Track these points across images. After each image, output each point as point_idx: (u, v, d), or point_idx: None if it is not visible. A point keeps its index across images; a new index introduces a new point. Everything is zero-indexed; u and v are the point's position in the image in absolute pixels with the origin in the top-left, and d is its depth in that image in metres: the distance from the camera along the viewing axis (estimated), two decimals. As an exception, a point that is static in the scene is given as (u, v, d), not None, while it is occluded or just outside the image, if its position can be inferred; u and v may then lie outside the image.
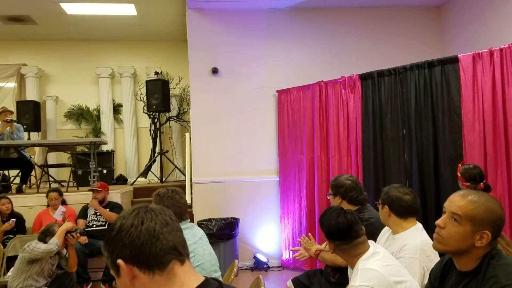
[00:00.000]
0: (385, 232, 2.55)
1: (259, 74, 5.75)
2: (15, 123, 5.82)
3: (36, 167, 6.41)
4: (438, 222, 1.61)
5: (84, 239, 3.68)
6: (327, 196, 2.92)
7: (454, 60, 3.87)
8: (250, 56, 5.76)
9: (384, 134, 4.41)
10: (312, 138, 5.10)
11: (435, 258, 2.17)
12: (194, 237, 2.33)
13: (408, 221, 2.35)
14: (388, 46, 5.86)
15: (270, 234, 5.63)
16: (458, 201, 1.57)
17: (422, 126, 4.11)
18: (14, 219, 4.54)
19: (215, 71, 5.69)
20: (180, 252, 1.00)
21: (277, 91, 5.64)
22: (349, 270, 2.18)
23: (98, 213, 4.91)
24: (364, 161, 4.55)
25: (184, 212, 2.36)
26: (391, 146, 4.34)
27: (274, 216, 5.61)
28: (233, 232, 5.09)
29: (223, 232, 4.97)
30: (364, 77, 4.59)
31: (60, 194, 4.97)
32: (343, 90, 4.77)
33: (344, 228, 1.99)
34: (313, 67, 5.73)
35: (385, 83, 4.41)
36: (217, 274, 2.39)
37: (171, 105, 7.63)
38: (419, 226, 2.36)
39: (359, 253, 1.98)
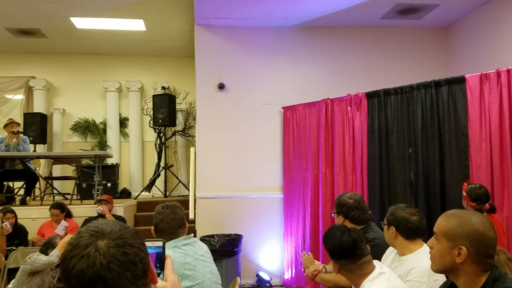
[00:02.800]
0: (390, 252, 2.50)
1: (266, 90, 5.78)
2: (22, 135, 5.85)
3: (40, 179, 6.42)
4: (427, 243, 1.67)
5: None
6: (332, 214, 2.88)
7: (461, 80, 3.86)
8: (256, 72, 5.79)
9: (390, 153, 4.38)
10: (317, 155, 5.08)
11: (442, 281, 2.14)
12: (195, 253, 2.28)
13: (415, 242, 2.31)
14: (395, 65, 5.88)
15: (273, 252, 5.57)
16: (438, 220, 1.62)
17: (428, 145, 4.08)
18: (7, 223, 4.48)
19: (221, 86, 5.72)
20: None
21: (283, 107, 5.65)
22: None
23: None
24: (370, 180, 4.52)
25: (174, 227, 2.28)
26: (397, 165, 4.31)
27: (278, 233, 5.56)
28: (235, 249, 5.04)
29: (225, 249, 4.92)
30: (370, 95, 4.59)
31: (62, 210, 4.91)
32: (349, 108, 4.77)
33: (349, 247, 1.96)
34: (319, 85, 5.75)
35: (392, 102, 4.41)
36: None
37: (177, 119, 7.66)
38: (426, 248, 2.31)
39: (365, 273, 1.95)
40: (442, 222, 1.58)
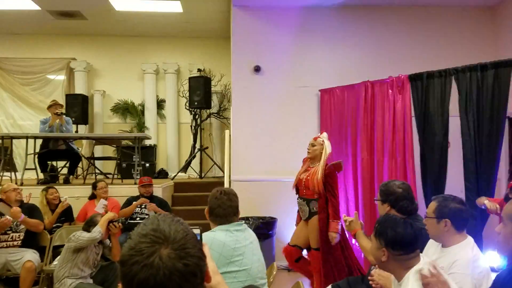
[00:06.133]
0: (432, 244, 2.45)
1: (302, 72, 5.69)
2: (64, 116, 6.04)
3: (83, 159, 6.63)
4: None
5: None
6: (375, 201, 2.83)
7: (509, 64, 3.67)
8: (293, 54, 5.70)
9: (432, 138, 4.24)
10: (356, 140, 4.97)
11: (487, 274, 2.11)
12: (245, 240, 2.31)
13: (462, 234, 2.26)
14: (439, 47, 5.64)
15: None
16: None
17: (470, 131, 3.92)
18: (66, 197, 4.73)
19: (257, 69, 5.67)
20: None
21: (320, 90, 5.56)
22: (393, 283, 2.10)
23: (143, 207, 5.05)
24: (410, 166, 4.40)
25: (229, 214, 2.33)
26: (438, 150, 4.17)
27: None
28: (270, 232, 5.07)
29: (260, 231, 4.95)
30: (413, 78, 4.43)
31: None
32: (390, 91, 4.63)
33: (410, 240, 1.92)
34: (358, 67, 5.59)
35: (435, 85, 4.25)
36: (263, 282, 2.35)
37: (212, 102, 7.69)
38: (470, 240, 2.26)
39: (411, 266, 1.92)
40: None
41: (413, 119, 4.42)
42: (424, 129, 4.31)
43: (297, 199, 3.91)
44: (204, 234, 2.20)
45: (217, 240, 2.20)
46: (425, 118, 4.30)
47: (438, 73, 4.24)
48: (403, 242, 1.92)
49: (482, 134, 3.83)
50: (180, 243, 0.88)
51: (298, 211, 4.01)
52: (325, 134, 3.90)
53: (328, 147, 3.81)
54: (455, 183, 4.06)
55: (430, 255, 2.35)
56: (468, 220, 2.26)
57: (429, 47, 5.64)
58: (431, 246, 2.43)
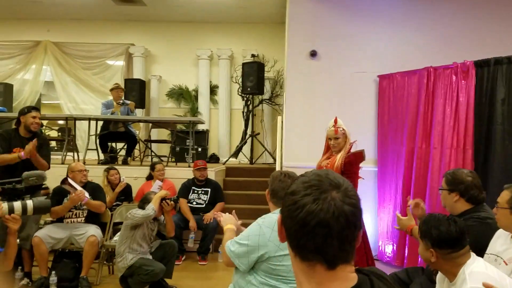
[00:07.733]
0: (500, 235, 2.33)
1: (360, 57, 5.51)
2: (126, 101, 6.30)
3: (140, 141, 6.86)
4: None
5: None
6: (440, 191, 2.71)
7: None
8: (351, 38, 5.53)
9: (496, 128, 4.01)
10: (415, 128, 4.77)
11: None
12: None
13: None
14: (508, 31, 5.26)
15: (366, 225, 5.42)
16: None
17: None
18: (124, 177, 4.98)
19: (313, 54, 5.57)
20: None
21: (378, 76, 5.38)
22: (443, 282, 2.05)
23: (200, 193, 5.17)
24: (468, 155, 4.20)
25: None
26: (501, 140, 3.95)
27: (371, 207, 5.35)
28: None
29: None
30: (479, 64, 4.19)
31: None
32: (454, 77, 4.40)
33: (457, 236, 1.92)
34: (420, 51, 5.32)
35: (503, 72, 4.00)
36: None
37: (264, 88, 7.68)
38: None
39: (463, 262, 1.91)
40: None
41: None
42: (488, 118, 4.09)
43: None
44: (267, 216, 2.20)
45: None
46: (490, 107, 4.08)
47: (507, 59, 3.99)
48: (449, 240, 1.92)
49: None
50: (350, 193, 0.90)
51: None
52: (340, 121, 3.72)
53: (349, 134, 3.67)
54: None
55: (499, 245, 2.25)
56: None
57: (497, 31, 5.27)
58: (500, 237, 2.32)
